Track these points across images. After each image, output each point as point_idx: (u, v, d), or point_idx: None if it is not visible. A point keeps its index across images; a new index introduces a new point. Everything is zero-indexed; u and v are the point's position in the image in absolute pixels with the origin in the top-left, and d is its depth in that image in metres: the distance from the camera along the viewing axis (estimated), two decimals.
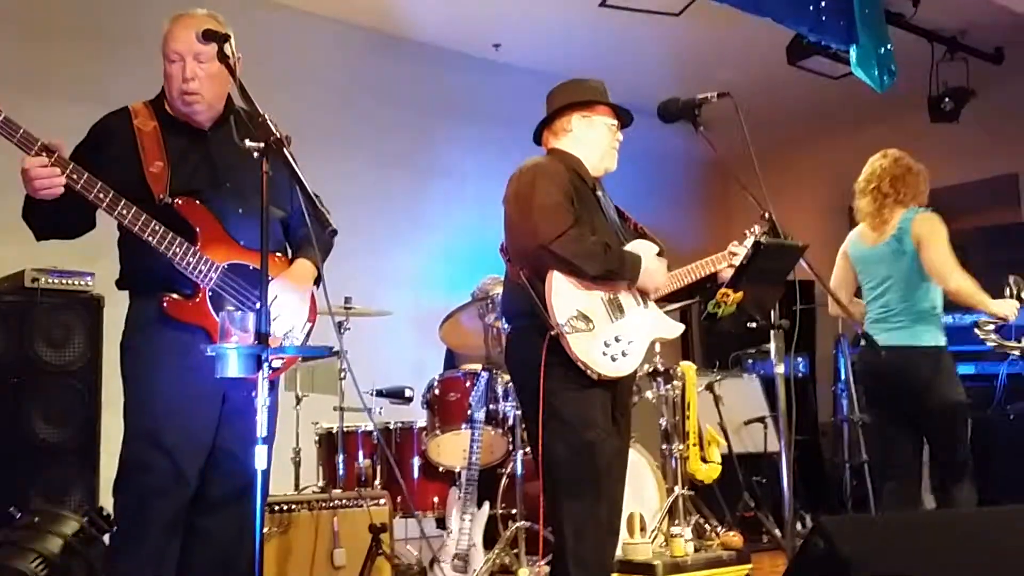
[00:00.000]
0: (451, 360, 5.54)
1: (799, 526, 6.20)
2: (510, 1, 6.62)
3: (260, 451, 2.16)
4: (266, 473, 2.72)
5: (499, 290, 5.21)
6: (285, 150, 2.24)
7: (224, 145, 2.76)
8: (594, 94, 3.34)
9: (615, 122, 3.34)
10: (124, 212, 2.50)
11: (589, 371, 2.96)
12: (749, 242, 3.39)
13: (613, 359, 3.00)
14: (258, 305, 2.54)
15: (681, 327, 3.26)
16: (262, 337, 2.16)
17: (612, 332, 3.02)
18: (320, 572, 4.14)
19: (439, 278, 6.52)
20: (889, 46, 5.35)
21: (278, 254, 2.81)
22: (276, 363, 2.54)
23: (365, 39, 6.74)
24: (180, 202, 2.63)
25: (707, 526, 4.87)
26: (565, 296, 2.97)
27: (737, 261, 3.29)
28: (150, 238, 2.53)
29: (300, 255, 2.87)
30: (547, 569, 4.43)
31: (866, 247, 4.27)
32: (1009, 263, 7.23)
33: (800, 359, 7.14)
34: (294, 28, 6.33)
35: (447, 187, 7.03)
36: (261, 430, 2.16)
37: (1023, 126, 7.57)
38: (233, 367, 2.10)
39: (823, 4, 5.08)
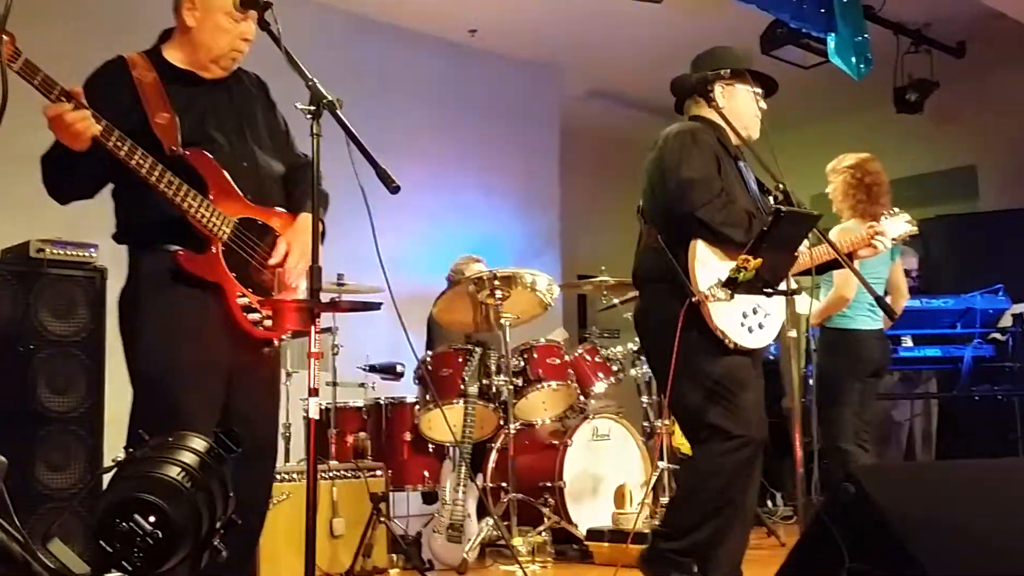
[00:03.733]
0: (431, 339, 5.60)
1: (769, 504, 6.39)
2: None
3: (313, 402, 2.21)
4: (274, 440, 2.80)
5: (476, 267, 5.32)
6: (339, 112, 2.28)
7: (226, 97, 2.70)
8: (740, 62, 3.32)
9: (760, 90, 3.34)
10: (142, 162, 2.40)
11: (727, 340, 3.01)
12: (894, 219, 3.56)
13: (750, 330, 3.06)
14: (287, 261, 2.61)
15: (809, 300, 3.34)
16: (314, 292, 2.21)
17: (750, 304, 3.05)
18: (319, 541, 4.14)
19: (417, 259, 6.57)
20: (866, 35, 5.52)
21: (282, 209, 2.72)
22: (265, 323, 2.52)
23: (343, 22, 6.75)
24: (190, 153, 2.53)
25: None
26: (708, 264, 3.00)
27: (883, 240, 3.43)
28: (167, 189, 2.43)
29: (305, 210, 2.73)
30: (539, 539, 4.55)
31: None
32: (966, 251, 7.53)
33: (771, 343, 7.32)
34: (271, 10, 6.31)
35: (423, 171, 7.07)
36: (314, 381, 2.21)
37: (983, 119, 7.84)
38: (289, 321, 2.15)
39: None
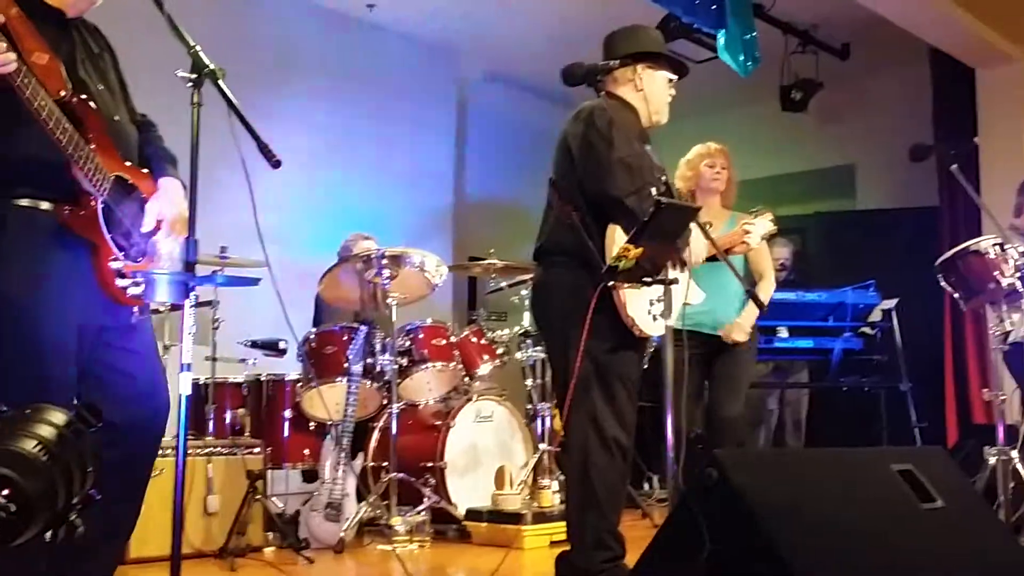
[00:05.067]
0: (319, 316, 5.55)
1: (646, 486, 6.55)
2: None
3: (185, 378, 2.17)
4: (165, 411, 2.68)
5: (365, 245, 5.28)
6: (221, 81, 2.23)
7: (87, 43, 2.49)
8: (660, 47, 3.34)
9: (675, 77, 3.36)
10: (43, 104, 2.19)
11: (634, 328, 3.04)
12: (761, 218, 3.64)
13: (654, 318, 3.10)
14: (150, 226, 2.44)
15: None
16: (189, 266, 2.16)
17: (656, 292, 3.08)
18: (193, 518, 4.13)
19: (307, 235, 6.48)
20: (754, 33, 5.66)
21: (146, 171, 2.54)
22: (134, 291, 2.34)
23: None
24: (76, 101, 2.31)
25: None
26: None
27: (751, 238, 3.50)
28: (62, 137, 2.23)
29: (167, 173, 2.58)
30: (418, 518, 4.57)
31: None
32: (842, 247, 7.82)
33: None
34: None
35: (316, 145, 6.96)
36: (186, 356, 2.17)
37: (863, 121, 8.12)
38: (162, 293, 2.10)
39: None
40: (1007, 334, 4.10)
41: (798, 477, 2.44)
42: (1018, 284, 3.84)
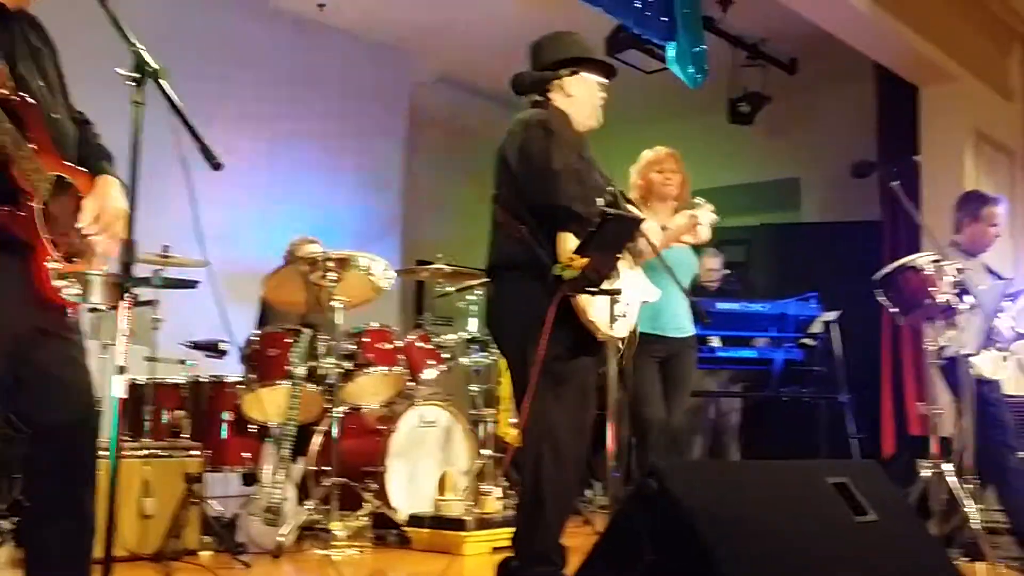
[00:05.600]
0: (264, 318, 5.49)
1: (588, 493, 6.57)
2: None
3: (117, 380, 2.12)
4: (98, 412, 2.61)
5: (311, 248, 5.24)
6: (163, 81, 2.19)
7: (27, 36, 2.42)
8: (588, 51, 3.34)
9: (605, 80, 3.37)
10: None
11: (597, 332, 3.04)
12: (704, 208, 3.65)
13: (614, 320, 3.09)
14: (97, 227, 2.40)
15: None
16: (126, 267, 2.13)
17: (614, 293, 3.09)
18: (128, 520, 4.06)
19: (253, 236, 6.41)
20: (704, 46, 5.71)
21: (83, 169, 2.46)
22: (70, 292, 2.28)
23: None
24: (17, 99, 2.25)
25: (513, 489, 5.08)
26: None
27: (702, 229, 3.51)
28: (3, 136, 2.18)
29: (105, 171, 2.50)
30: (359, 523, 4.54)
31: None
32: (785, 259, 7.93)
33: None
34: None
35: (263, 146, 6.90)
36: (120, 359, 2.12)
37: (808, 134, 8.25)
38: (98, 294, 2.06)
39: (649, 0, 5.37)
40: (942, 349, 4.18)
41: (736, 488, 2.46)
42: (953, 300, 3.92)
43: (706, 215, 3.71)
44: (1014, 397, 5.35)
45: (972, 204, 4.68)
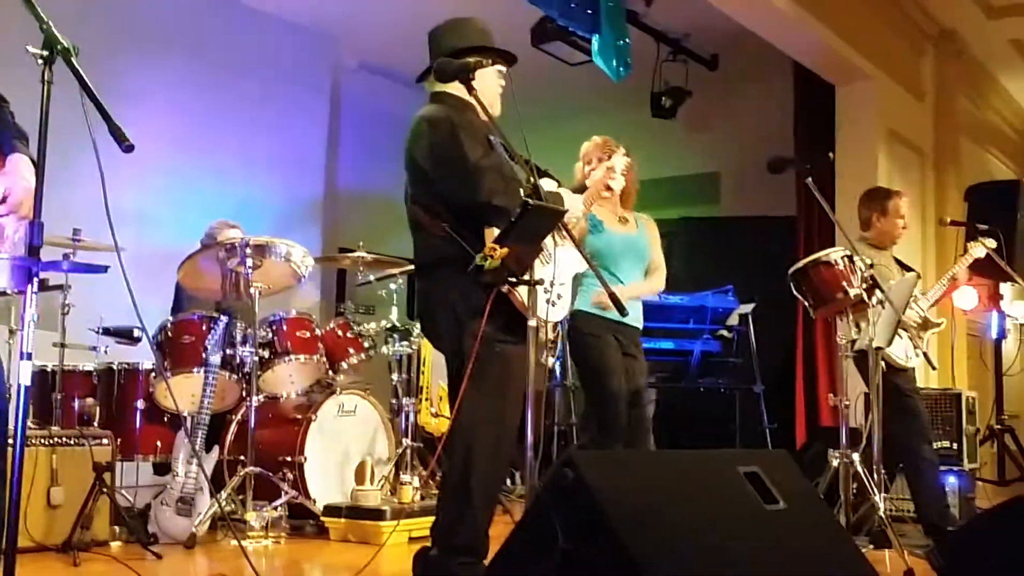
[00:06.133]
0: (179, 304, 5.38)
1: (508, 483, 6.59)
2: None
3: (24, 366, 2.06)
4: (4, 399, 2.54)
5: (230, 233, 5.14)
6: (73, 60, 2.12)
7: None
8: (487, 39, 3.30)
9: (504, 68, 3.33)
10: None
11: (534, 319, 2.99)
12: (616, 155, 3.61)
13: (552, 304, 3.08)
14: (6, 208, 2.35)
15: (584, 264, 3.37)
16: (34, 250, 2.06)
17: (547, 277, 3.07)
18: (35, 510, 3.95)
19: (171, 220, 6.27)
20: (628, 40, 5.76)
21: None
22: None
23: None
24: None
25: (432, 479, 5.07)
26: None
27: (615, 183, 3.51)
28: None
29: (17, 150, 2.47)
30: (275, 513, 4.48)
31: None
32: (705, 252, 8.05)
33: None
34: None
35: (183, 129, 6.75)
36: (28, 345, 2.06)
37: (728, 130, 8.38)
38: (4, 278, 1.99)
39: None
40: (853, 342, 4.29)
41: (651, 478, 2.49)
42: (864, 294, 4.02)
43: (619, 161, 3.68)
44: (924, 390, 5.54)
45: (879, 199, 4.82)
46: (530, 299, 3.02)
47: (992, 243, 4.89)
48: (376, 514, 4.40)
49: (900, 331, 4.31)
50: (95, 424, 4.51)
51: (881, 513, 3.96)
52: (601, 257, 4.05)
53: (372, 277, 5.41)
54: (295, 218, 7.31)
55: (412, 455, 4.97)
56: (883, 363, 4.19)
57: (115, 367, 4.77)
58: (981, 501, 5.54)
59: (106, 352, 4.87)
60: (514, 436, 3.19)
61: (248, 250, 4.49)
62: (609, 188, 3.59)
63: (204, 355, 4.51)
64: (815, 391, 6.89)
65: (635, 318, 4.22)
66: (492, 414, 3.09)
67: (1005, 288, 6.34)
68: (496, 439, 3.10)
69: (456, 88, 3.22)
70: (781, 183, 7.15)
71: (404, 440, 4.99)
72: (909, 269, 4.71)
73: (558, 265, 3.16)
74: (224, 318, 4.58)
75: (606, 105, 8.17)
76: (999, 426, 6.05)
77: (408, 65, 3.34)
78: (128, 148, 2.11)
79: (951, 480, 5.23)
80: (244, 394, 4.65)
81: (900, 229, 4.79)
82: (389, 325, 5.19)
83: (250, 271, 4.49)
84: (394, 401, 5.20)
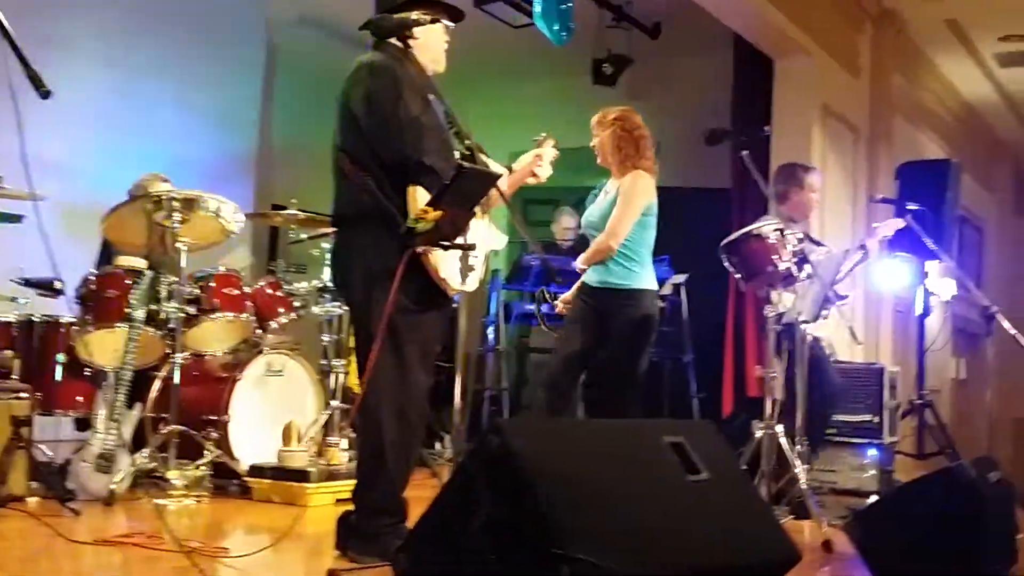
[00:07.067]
0: (105, 258, 5.25)
1: (437, 446, 6.59)
2: None
3: None
4: None
5: (160, 187, 5.02)
6: None
7: None
8: None
9: (452, 24, 3.26)
10: None
11: (448, 288, 2.98)
12: (545, 144, 3.56)
13: (464, 275, 3.04)
14: None
15: (505, 238, 3.33)
16: None
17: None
18: None
19: (99, 171, 6.10)
20: (570, 3, 5.71)
21: None
22: None
23: None
24: None
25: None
26: None
27: (542, 171, 3.45)
28: None
29: None
30: (198, 473, 4.42)
31: None
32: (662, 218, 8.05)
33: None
34: None
35: (114, 79, 6.55)
36: None
37: (669, 100, 8.35)
38: None
39: None
40: (781, 315, 4.35)
41: (576, 446, 2.50)
42: (794, 269, 4.07)
43: (548, 152, 3.64)
44: (847, 364, 5.65)
45: (796, 174, 4.92)
46: (462, 266, 3.00)
47: (898, 223, 5.05)
48: (301, 475, 4.36)
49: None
50: (14, 377, 4.40)
51: (802, 484, 4.04)
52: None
53: (304, 235, 5.32)
54: (228, 173, 7.16)
55: (340, 416, 4.92)
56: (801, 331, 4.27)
57: (36, 319, 4.64)
58: (900, 474, 5.67)
59: (26, 304, 4.73)
60: (424, 401, 3.18)
61: (175, 204, 4.39)
62: (535, 175, 3.52)
63: (128, 310, 4.41)
64: (743, 362, 6.98)
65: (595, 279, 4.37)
66: (401, 380, 3.07)
67: (931, 266, 6.45)
68: (406, 403, 3.09)
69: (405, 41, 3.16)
70: (719, 155, 7.20)
71: (333, 401, 4.94)
72: (819, 244, 4.78)
73: (475, 238, 3.09)
74: (149, 273, 4.47)
75: (548, 70, 8.13)
76: (920, 401, 6.18)
77: (349, 18, 3.25)
78: (45, 94, 2.03)
79: (871, 453, 5.35)
80: (169, 351, 4.56)
81: (814, 203, 4.97)
82: (320, 284, 5.11)
83: (177, 225, 4.39)
84: (324, 362, 5.14)
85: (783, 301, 4.31)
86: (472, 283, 3.15)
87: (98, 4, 6.35)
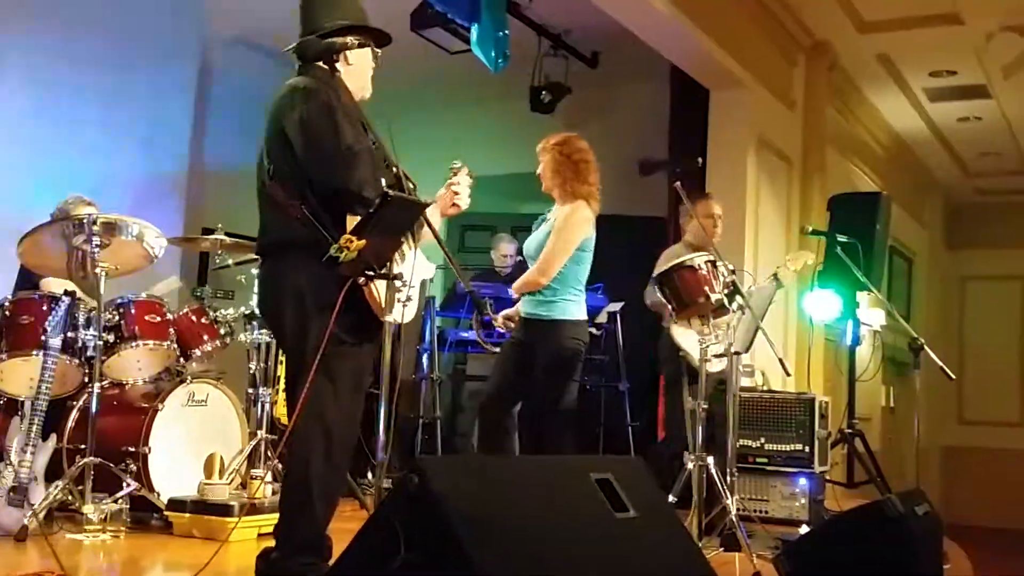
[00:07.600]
0: (25, 280, 5.07)
1: (370, 475, 6.47)
2: None
3: None
4: None
5: (84, 210, 4.86)
6: None
7: None
8: (366, 18, 3.17)
9: (379, 50, 3.21)
10: None
11: (385, 318, 2.90)
12: (461, 173, 3.42)
13: (404, 304, 2.97)
14: None
15: (433, 266, 3.26)
16: None
17: (405, 275, 2.98)
18: None
19: (21, 193, 5.91)
20: (507, 31, 5.70)
21: None
22: None
23: None
24: None
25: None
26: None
27: (461, 200, 3.35)
28: None
29: None
30: (115, 506, 4.26)
31: None
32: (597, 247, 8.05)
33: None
34: None
35: (38, 99, 6.36)
36: None
37: (606, 129, 8.37)
38: None
39: None
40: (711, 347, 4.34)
41: (500, 485, 2.43)
42: (725, 300, 4.07)
43: (464, 180, 3.52)
44: (779, 394, 5.68)
45: (693, 202, 4.97)
46: (388, 295, 2.93)
47: (807, 259, 5.16)
48: (223, 509, 4.22)
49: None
50: None
51: (732, 516, 4.02)
52: None
53: (231, 261, 5.20)
54: (156, 195, 6.98)
55: (266, 447, 4.79)
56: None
57: None
58: (830, 503, 5.70)
59: None
60: (355, 435, 3.10)
61: (96, 227, 4.25)
62: (456, 205, 3.43)
63: (44, 337, 4.25)
64: None
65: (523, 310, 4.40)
66: (332, 414, 2.98)
67: (862, 296, 6.53)
68: (335, 437, 3.00)
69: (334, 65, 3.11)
70: (656, 183, 7.22)
71: (258, 432, 4.81)
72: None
73: (409, 267, 3.05)
74: (66, 299, 4.32)
75: (484, 96, 8.11)
76: (850, 430, 6.22)
77: (286, 40, 3.19)
78: None
79: (802, 482, 5.36)
80: (86, 380, 4.40)
81: (712, 229, 5.14)
82: (248, 311, 4.99)
83: (97, 249, 4.25)
84: (250, 391, 5.01)
85: (715, 332, 4.29)
86: (408, 314, 3.09)
87: (23, 19, 6.17)
